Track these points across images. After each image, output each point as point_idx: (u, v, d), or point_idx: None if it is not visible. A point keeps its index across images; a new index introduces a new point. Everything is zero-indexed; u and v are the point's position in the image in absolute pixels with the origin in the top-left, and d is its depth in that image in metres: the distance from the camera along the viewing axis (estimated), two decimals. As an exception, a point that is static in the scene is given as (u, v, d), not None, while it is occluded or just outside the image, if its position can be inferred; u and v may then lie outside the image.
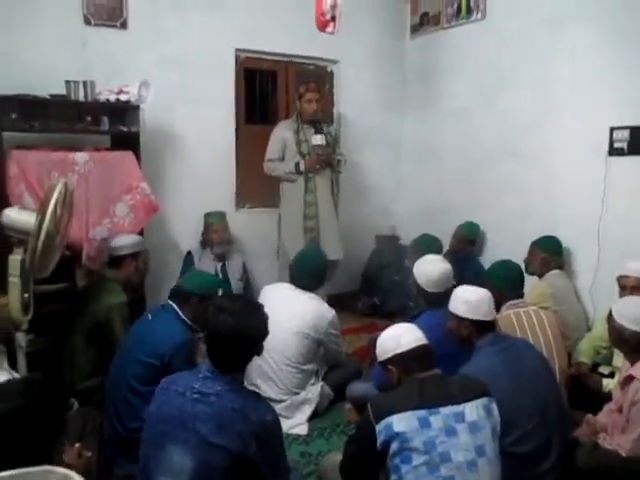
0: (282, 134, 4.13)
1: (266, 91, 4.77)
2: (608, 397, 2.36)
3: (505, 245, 3.92)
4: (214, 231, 4.10)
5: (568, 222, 3.65)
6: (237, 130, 4.52)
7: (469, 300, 2.18)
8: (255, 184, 4.54)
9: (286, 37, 4.52)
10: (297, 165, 4.05)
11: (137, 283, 3.33)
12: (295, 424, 2.89)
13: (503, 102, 4.20)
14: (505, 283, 2.66)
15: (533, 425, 1.99)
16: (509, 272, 2.77)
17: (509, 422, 1.86)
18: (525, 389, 2.03)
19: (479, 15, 4.37)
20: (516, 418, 1.96)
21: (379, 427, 1.68)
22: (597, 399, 2.51)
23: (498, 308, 2.68)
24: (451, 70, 4.67)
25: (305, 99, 4.06)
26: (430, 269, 2.70)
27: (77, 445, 1.77)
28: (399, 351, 1.82)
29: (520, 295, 2.71)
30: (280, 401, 2.88)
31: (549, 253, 3.39)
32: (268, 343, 1.92)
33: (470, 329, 2.17)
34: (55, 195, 2.44)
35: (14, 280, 2.49)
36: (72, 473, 1.01)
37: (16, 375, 2.08)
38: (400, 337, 1.85)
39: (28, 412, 1.22)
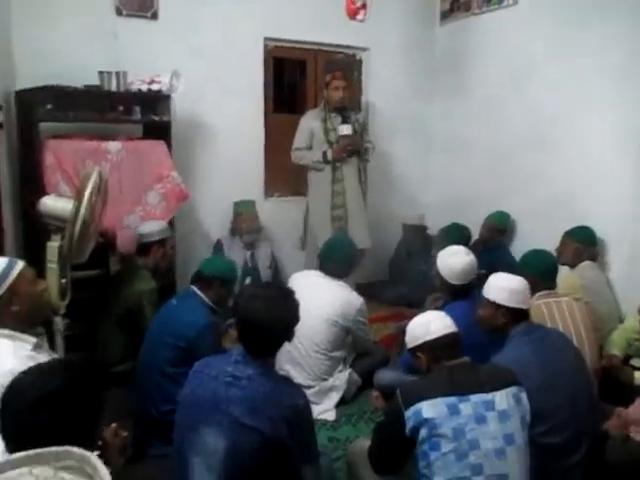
0: (309, 123, 4.14)
1: (295, 80, 4.78)
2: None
3: (536, 235, 3.86)
4: (243, 220, 4.14)
5: (601, 212, 3.58)
6: (265, 119, 4.55)
7: (507, 287, 2.15)
8: (283, 173, 4.57)
9: (315, 25, 4.52)
10: (324, 154, 4.05)
11: (165, 269, 3.39)
12: (323, 410, 2.93)
13: (534, 90, 4.13)
14: (538, 273, 2.61)
15: (564, 416, 1.98)
16: (543, 262, 2.72)
17: (540, 413, 1.85)
18: (556, 380, 2.01)
19: (511, 0, 4.30)
20: (547, 409, 1.95)
21: (408, 413, 1.70)
22: (628, 392, 2.48)
23: (529, 298, 2.67)
24: (481, 57, 4.60)
25: (332, 87, 4.04)
26: (453, 261, 2.67)
27: (113, 425, 1.83)
28: (428, 338, 1.84)
29: (552, 286, 2.67)
30: (308, 387, 2.92)
31: (582, 244, 3.33)
32: (297, 330, 1.94)
33: (507, 317, 2.15)
34: (90, 183, 2.50)
35: (52, 266, 2.57)
36: (89, 454, 1.04)
37: (55, 357, 2.15)
38: (430, 324, 1.86)
39: (66, 392, 1.26)
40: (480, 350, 2.13)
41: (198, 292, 2.67)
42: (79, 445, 1.30)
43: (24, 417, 1.21)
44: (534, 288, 2.60)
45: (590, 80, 3.72)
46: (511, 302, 2.14)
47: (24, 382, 1.27)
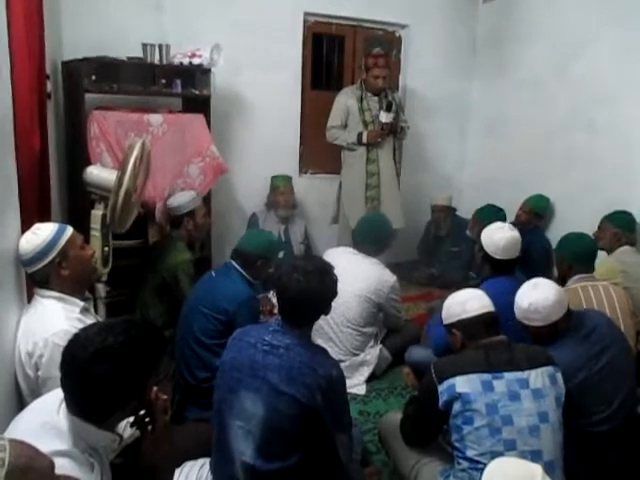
0: (346, 101, 4.11)
1: (333, 56, 4.75)
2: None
3: (574, 219, 3.80)
4: (280, 193, 4.18)
5: (642, 198, 3.51)
6: (303, 95, 4.56)
7: (522, 307, 2.02)
8: (318, 150, 4.57)
9: (355, 0, 4.47)
10: (359, 136, 4.03)
11: (199, 239, 3.42)
12: (354, 384, 2.97)
13: (579, 71, 4.03)
14: (577, 257, 2.58)
15: (612, 410, 1.96)
16: (583, 247, 2.68)
17: (589, 409, 1.87)
18: (606, 379, 1.97)
19: (559, -23, 4.18)
20: (596, 405, 1.94)
21: (441, 387, 1.73)
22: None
23: (564, 282, 2.65)
24: (525, 36, 4.50)
25: (372, 74, 3.98)
26: (498, 236, 2.67)
27: (155, 389, 1.91)
28: (464, 316, 1.86)
29: (589, 270, 2.65)
30: (340, 361, 2.94)
31: (621, 228, 3.27)
32: (331, 305, 1.98)
33: (549, 333, 2.03)
34: (134, 154, 2.56)
35: (95, 234, 2.65)
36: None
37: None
38: (466, 303, 1.88)
39: (127, 349, 1.32)
40: (515, 327, 2.13)
41: (238, 267, 2.66)
42: (129, 401, 1.38)
43: (85, 367, 1.28)
44: (570, 272, 2.59)
45: (638, 60, 3.61)
46: (531, 322, 2.01)
47: (89, 334, 1.34)
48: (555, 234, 4.03)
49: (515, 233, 2.71)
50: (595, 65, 3.90)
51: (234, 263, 2.68)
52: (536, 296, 1.98)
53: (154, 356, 1.42)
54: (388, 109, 3.97)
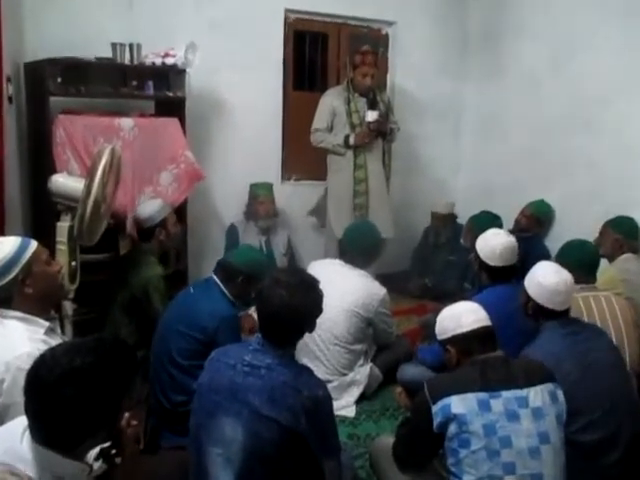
0: (332, 102, 4.12)
1: (316, 55, 4.78)
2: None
3: (573, 225, 3.84)
4: (260, 203, 4.18)
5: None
6: (285, 96, 4.58)
7: (543, 284, 2.15)
8: (302, 155, 4.59)
9: (339, -4, 4.52)
10: (346, 138, 4.05)
11: (173, 248, 3.40)
12: (342, 406, 2.96)
13: (576, 69, 4.09)
14: (578, 266, 2.59)
15: (600, 413, 2.00)
16: (584, 253, 2.72)
17: (574, 409, 1.87)
18: (591, 375, 2.03)
19: (553, -29, 4.26)
20: (582, 405, 1.97)
21: (435, 408, 1.73)
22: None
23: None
24: (518, 34, 4.57)
25: (360, 72, 4.02)
26: (494, 242, 2.71)
27: (126, 414, 1.89)
28: (459, 331, 1.86)
29: (591, 280, 2.68)
30: (327, 382, 2.92)
31: (623, 235, 3.31)
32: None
33: (537, 312, 2.18)
34: (103, 160, 2.55)
35: (62, 248, 2.63)
36: None
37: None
38: (460, 317, 1.89)
39: (95, 370, 1.31)
40: (522, 335, 2.20)
41: (218, 282, 2.64)
42: (99, 427, 1.36)
43: (51, 390, 1.26)
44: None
45: (638, 58, 3.68)
46: (542, 300, 2.15)
47: (56, 354, 1.32)
48: (554, 240, 4.08)
49: (512, 239, 2.75)
50: (592, 62, 3.97)
51: (215, 278, 2.67)
52: (560, 279, 2.13)
53: (126, 377, 1.40)
54: (373, 106, 4.00)
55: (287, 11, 4.44)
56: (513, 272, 2.73)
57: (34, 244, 1.92)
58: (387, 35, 4.93)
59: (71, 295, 2.69)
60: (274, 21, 4.39)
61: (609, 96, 3.87)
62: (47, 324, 1.91)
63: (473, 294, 2.71)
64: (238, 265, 2.63)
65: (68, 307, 2.71)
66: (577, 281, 2.55)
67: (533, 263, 2.34)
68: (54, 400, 1.27)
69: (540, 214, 4.24)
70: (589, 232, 3.36)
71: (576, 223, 3.86)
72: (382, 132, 4.12)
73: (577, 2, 4.07)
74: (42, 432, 1.31)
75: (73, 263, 2.66)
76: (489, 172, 4.86)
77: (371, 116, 4.00)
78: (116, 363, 1.36)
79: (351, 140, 4.04)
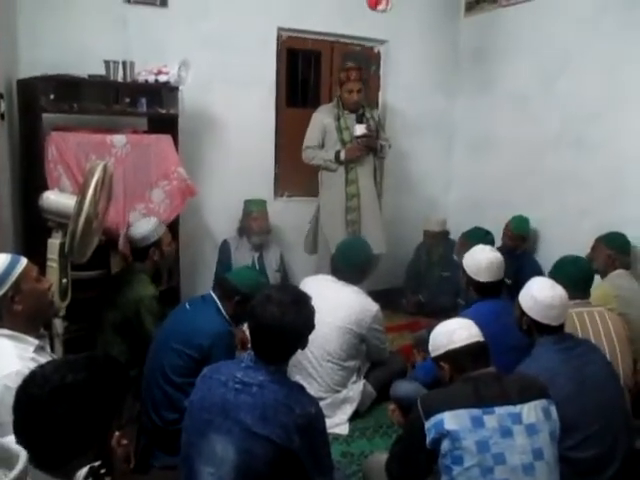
0: (322, 119, 4.15)
1: (309, 73, 4.82)
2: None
3: (564, 242, 3.85)
4: (254, 219, 4.18)
5: (636, 219, 3.58)
6: (277, 114, 4.60)
7: (538, 299, 2.15)
8: (295, 171, 4.60)
9: (332, 15, 4.56)
10: (337, 154, 4.07)
11: (167, 266, 3.37)
12: (335, 424, 2.94)
13: (566, 87, 4.15)
14: (573, 281, 2.60)
15: (595, 429, 2.00)
16: (579, 271, 2.73)
17: (569, 425, 1.87)
18: (586, 391, 2.03)
19: (541, -9, 4.33)
20: (576, 421, 1.97)
21: (428, 424, 1.72)
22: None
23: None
24: (509, 51, 4.63)
25: (346, 88, 4.05)
26: (480, 257, 2.74)
27: (116, 434, 1.86)
28: (452, 347, 1.86)
29: (585, 296, 2.69)
30: (320, 399, 2.91)
31: (615, 251, 3.33)
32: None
33: (531, 326, 2.18)
34: (95, 177, 2.55)
35: (53, 265, 2.61)
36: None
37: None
38: (453, 333, 1.89)
39: (87, 386, 1.29)
40: (514, 350, 2.22)
41: (216, 299, 2.63)
42: (90, 445, 1.35)
43: (42, 407, 1.25)
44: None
45: (629, 77, 3.73)
46: (536, 315, 2.16)
47: (46, 372, 1.30)
48: (545, 257, 4.11)
49: (498, 254, 2.78)
50: (582, 81, 4.02)
51: (213, 295, 2.66)
52: (555, 293, 2.15)
53: (118, 394, 1.39)
54: (360, 121, 4.03)
55: (280, 29, 4.48)
56: (501, 288, 2.75)
57: (24, 261, 1.91)
58: (379, 53, 4.98)
59: (62, 312, 2.68)
60: (267, 39, 4.42)
61: (598, 113, 3.92)
62: (37, 342, 1.90)
63: (462, 310, 2.72)
64: (236, 284, 2.62)
65: (58, 325, 2.68)
66: (572, 297, 2.57)
67: (526, 279, 2.35)
68: (44, 417, 1.25)
69: (521, 231, 4.25)
70: (580, 248, 3.37)
71: (567, 239, 3.88)
72: (372, 147, 4.14)
73: (566, 21, 4.13)
74: (31, 451, 1.29)
75: (64, 280, 2.65)
76: (480, 188, 4.89)
77: (359, 130, 4.03)
78: (108, 380, 1.35)
79: (342, 155, 4.06)
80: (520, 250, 4.21)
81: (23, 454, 1.10)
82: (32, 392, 1.27)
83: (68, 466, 1.33)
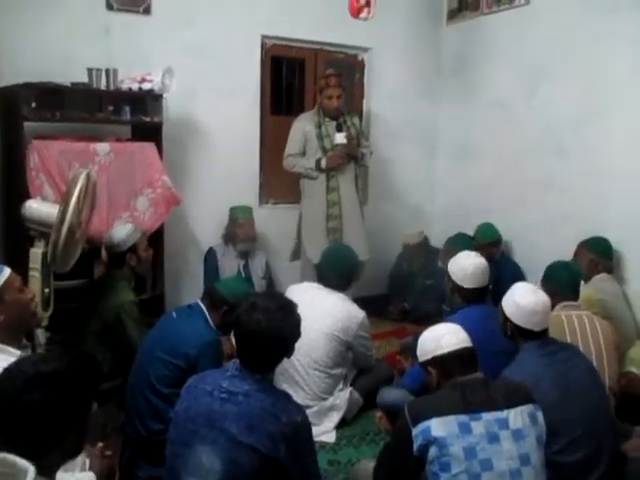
0: (304, 127, 4.14)
1: (293, 80, 4.82)
2: (660, 409, 2.36)
3: (547, 247, 3.90)
4: (240, 226, 4.15)
5: (618, 224, 3.62)
6: (262, 121, 4.59)
7: (521, 305, 2.16)
8: (280, 179, 4.59)
9: (315, 23, 4.57)
10: (318, 162, 4.06)
11: (147, 272, 3.35)
12: (322, 431, 2.92)
13: (547, 94, 4.19)
14: (565, 286, 2.67)
15: (580, 433, 2.00)
16: (573, 275, 2.78)
17: (554, 429, 1.88)
18: (570, 396, 2.04)
19: (522, 0, 4.37)
20: (562, 425, 1.97)
21: (415, 431, 1.72)
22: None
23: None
24: (491, 59, 4.66)
25: (326, 95, 4.05)
26: (465, 263, 2.76)
27: (99, 445, 1.84)
28: (439, 353, 1.86)
29: (575, 298, 2.73)
30: (307, 407, 2.89)
31: (598, 255, 3.38)
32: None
33: (514, 332, 2.19)
34: (78, 185, 2.52)
35: (35, 274, 2.58)
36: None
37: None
38: (441, 338, 1.89)
39: (62, 376, 1.30)
40: (499, 354, 2.22)
41: (204, 309, 2.62)
42: (67, 433, 1.33)
43: (16, 397, 1.24)
44: (555, 300, 2.64)
45: (610, 84, 3.77)
46: (519, 320, 2.17)
47: (21, 367, 1.31)
48: (526, 261, 4.15)
49: (483, 260, 2.80)
50: (563, 88, 4.06)
51: (201, 304, 2.64)
52: (537, 299, 2.15)
53: (91, 382, 1.39)
54: (339, 129, 4.03)
55: (264, 37, 4.48)
56: (486, 293, 2.77)
57: (7, 271, 1.89)
58: (363, 61, 5.00)
59: (44, 323, 2.64)
60: (251, 47, 4.42)
61: (579, 120, 3.96)
62: (19, 353, 1.86)
63: (447, 316, 2.73)
64: (224, 294, 2.61)
65: (41, 335, 2.64)
66: (560, 299, 2.62)
67: (507, 284, 2.36)
68: (19, 407, 1.25)
69: (489, 238, 4.23)
70: (562, 253, 3.41)
71: (549, 244, 3.93)
72: (353, 155, 4.13)
73: (547, 29, 4.18)
74: (10, 443, 1.28)
75: (46, 290, 2.61)
76: (464, 195, 4.91)
77: (339, 138, 4.03)
78: (81, 369, 1.36)
79: (322, 163, 4.05)
80: (497, 256, 4.22)
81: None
82: (6, 387, 1.27)
83: (49, 458, 1.31)
